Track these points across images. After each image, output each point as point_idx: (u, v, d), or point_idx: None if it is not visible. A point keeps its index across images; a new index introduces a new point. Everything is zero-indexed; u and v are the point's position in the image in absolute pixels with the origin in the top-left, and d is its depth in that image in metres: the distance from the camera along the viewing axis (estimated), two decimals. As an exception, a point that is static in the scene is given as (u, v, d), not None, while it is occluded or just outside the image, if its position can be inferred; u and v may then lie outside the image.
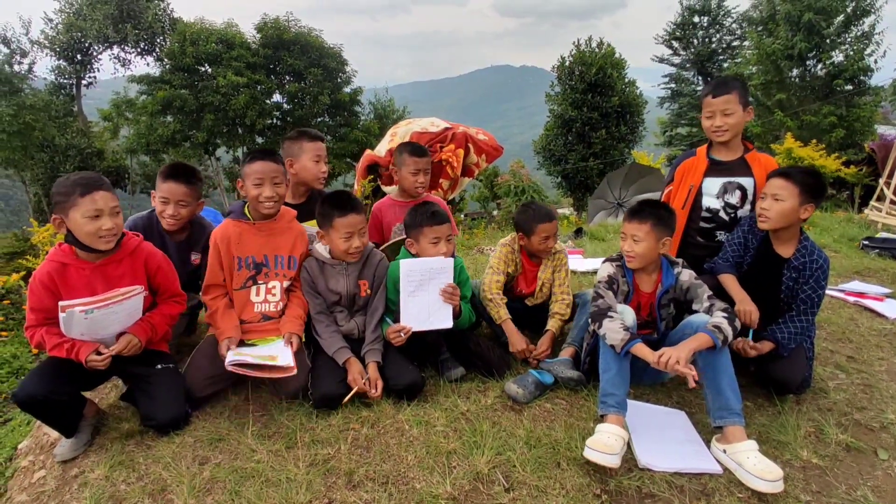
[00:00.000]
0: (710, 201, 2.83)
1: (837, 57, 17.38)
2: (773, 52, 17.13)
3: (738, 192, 2.78)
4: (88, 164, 22.09)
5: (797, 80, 17.92)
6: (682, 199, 2.90)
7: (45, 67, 22.49)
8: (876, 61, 17.44)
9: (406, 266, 2.53)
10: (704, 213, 2.85)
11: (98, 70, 23.82)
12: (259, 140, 24.27)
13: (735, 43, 26.71)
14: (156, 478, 1.96)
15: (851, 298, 3.93)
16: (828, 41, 16.93)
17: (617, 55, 25.12)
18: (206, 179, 28.38)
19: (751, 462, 1.98)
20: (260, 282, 2.57)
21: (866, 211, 6.87)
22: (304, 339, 2.60)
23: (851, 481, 2.06)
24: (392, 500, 1.86)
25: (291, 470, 2.00)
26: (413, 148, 3.23)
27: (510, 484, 1.96)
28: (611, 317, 2.30)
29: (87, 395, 2.37)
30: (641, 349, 2.22)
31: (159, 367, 2.26)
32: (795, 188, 2.40)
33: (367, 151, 7.25)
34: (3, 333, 4.35)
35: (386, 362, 2.56)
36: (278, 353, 2.37)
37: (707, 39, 27.86)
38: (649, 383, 2.65)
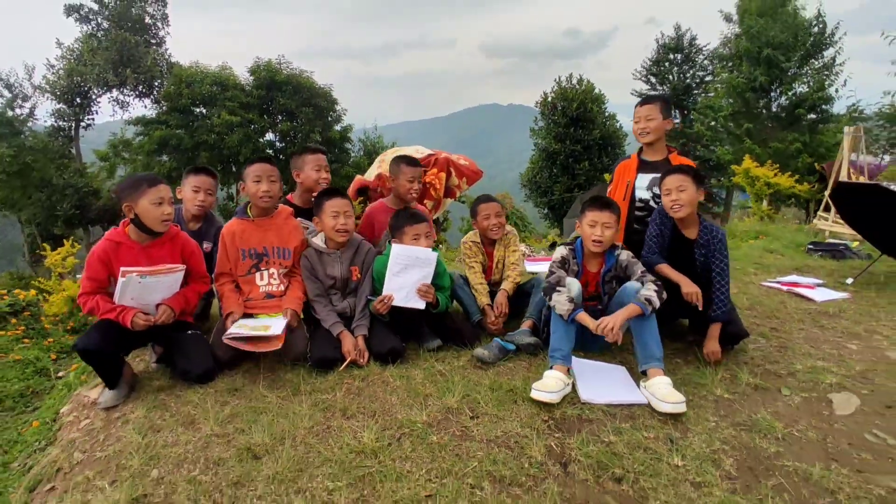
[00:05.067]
0: (642, 193, 3.40)
1: (800, 88, 18.49)
2: (738, 85, 18.27)
3: (661, 184, 3.34)
4: (85, 203, 22.54)
5: (763, 110, 19.00)
6: (621, 193, 3.46)
7: (45, 111, 23.18)
8: (837, 90, 18.52)
9: (396, 249, 3.04)
10: (638, 204, 3.41)
11: (97, 113, 24.62)
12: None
13: (707, 78, 28.09)
14: (186, 414, 2.40)
15: (786, 288, 4.44)
16: (789, 74, 18.06)
17: (596, 91, 26.36)
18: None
19: (661, 391, 2.46)
20: (262, 268, 3.07)
21: (814, 221, 7.50)
22: (302, 317, 3.07)
23: (754, 409, 2.52)
24: (378, 425, 2.31)
25: (296, 408, 2.44)
26: (408, 159, 3.78)
27: (475, 414, 2.42)
28: (559, 290, 2.81)
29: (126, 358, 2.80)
30: (584, 317, 2.73)
31: (189, 332, 2.75)
32: (689, 178, 2.94)
33: (358, 176, 7.82)
34: (26, 341, 4.76)
35: (372, 333, 3.03)
36: (272, 324, 2.83)
37: (682, 75, 29.27)
38: (597, 351, 3.13)
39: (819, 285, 4.51)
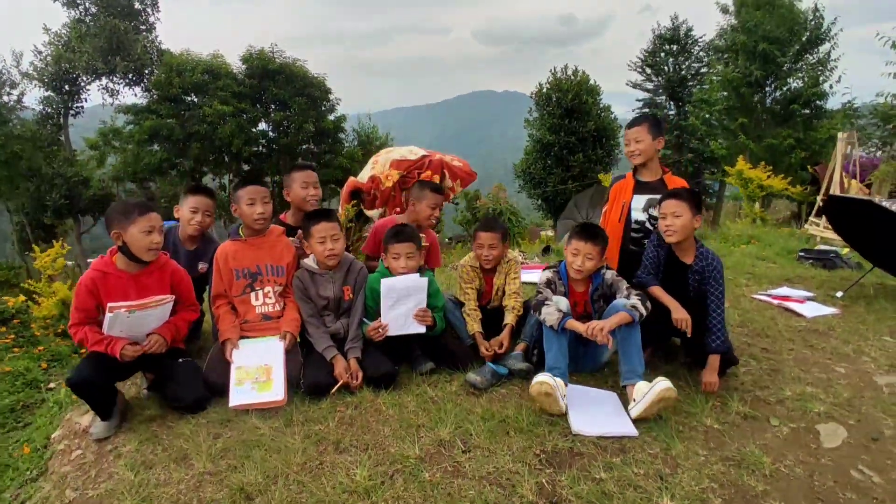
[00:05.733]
0: (638, 214, 3.41)
1: (795, 83, 18.49)
2: (733, 79, 18.23)
3: (659, 207, 3.34)
4: (74, 193, 22.27)
5: (758, 105, 18.99)
6: (616, 214, 3.47)
7: (33, 98, 22.69)
8: (831, 86, 18.54)
9: (385, 284, 3.02)
10: (634, 225, 3.42)
11: (86, 100, 24.21)
12: (245, 167, 24.73)
13: (703, 70, 27.99)
14: (178, 448, 2.40)
15: (776, 301, 4.48)
16: (784, 68, 18.05)
17: (592, 82, 26.20)
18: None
19: (643, 386, 2.61)
20: (257, 288, 3.08)
21: (806, 226, 7.55)
22: (298, 340, 3.08)
23: (743, 441, 2.55)
24: (371, 460, 2.32)
25: (289, 441, 2.45)
26: (434, 186, 3.76)
27: (467, 447, 2.43)
28: (548, 304, 2.84)
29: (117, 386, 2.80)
30: (573, 324, 2.79)
31: (181, 360, 2.74)
32: (686, 204, 2.95)
33: (351, 178, 7.76)
34: (16, 350, 4.73)
35: (365, 356, 3.04)
36: (273, 363, 2.84)
37: (677, 66, 29.16)
38: (589, 370, 3.15)
39: (809, 299, 4.55)
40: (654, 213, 3.33)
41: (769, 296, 4.63)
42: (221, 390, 2.81)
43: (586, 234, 3.00)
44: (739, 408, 2.79)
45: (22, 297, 5.41)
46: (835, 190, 7.57)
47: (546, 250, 7.23)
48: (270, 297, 3.08)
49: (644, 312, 2.73)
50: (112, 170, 23.66)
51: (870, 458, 2.42)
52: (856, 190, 7.72)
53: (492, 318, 3.43)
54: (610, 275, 3.02)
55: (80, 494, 2.19)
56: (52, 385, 4.35)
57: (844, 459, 2.42)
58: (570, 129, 25.64)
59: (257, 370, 2.78)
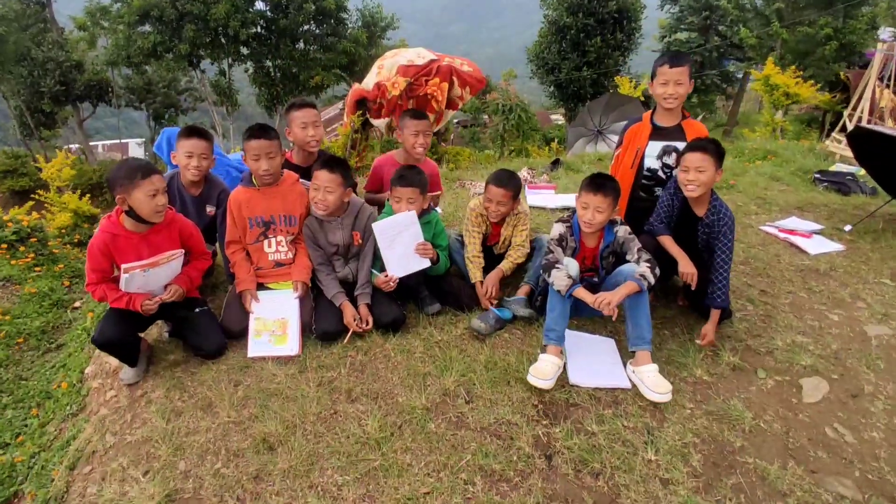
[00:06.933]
0: (651, 162, 3.30)
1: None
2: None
3: (674, 155, 3.23)
4: (69, 78, 21.48)
5: (798, -13, 17.34)
6: (629, 161, 3.36)
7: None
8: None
9: (377, 227, 3.04)
10: (646, 173, 3.32)
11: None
12: (244, 51, 23.43)
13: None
14: (202, 397, 2.60)
15: (782, 235, 4.48)
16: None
17: (617, -45, 23.75)
18: (192, 92, 27.74)
19: (649, 380, 2.64)
20: (270, 236, 3.13)
21: (826, 142, 7.26)
22: (309, 285, 3.18)
23: (728, 394, 2.72)
24: (381, 410, 2.52)
25: (304, 389, 2.64)
26: (413, 112, 3.62)
27: (470, 397, 2.61)
28: (558, 268, 2.86)
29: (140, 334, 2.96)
30: (581, 293, 2.81)
31: (198, 310, 2.87)
32: (712, 159, 2.86)
33: (355, 86, 7.43)
34: (37, 269, 4.90)
35: (374, 301, 3.14)
36: (288, 317, 2.97)
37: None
38: (588, 316, 3.27)
39: (816, 233, 4.54)
40: (669, 161, 3.23)
41: (776, 228, 4.62)
42: (238, 335, 2.97)
43: (595, 185, 2.92)
44: (730, 358, 2.93)
45: (36, 215, 5.50)
46: (865, 106, 7.16)
47: (555, 164, 7.07)
48: (283, 246, 3.14)
49: (652, 281, 2.74)
50: (105, 53, 22.52)
51: (845, 416, 2.59)
52: (887, 100, 7.29)
53: (497, 262, 3.47)
54: (623, 231, 3.00)
55: (119, 439, 2.43)
56: (77, 304, 4.59)
57: (821, 416, 2.60)
58: (589, 9, 23.75)
59: (274, 323, 2.91)
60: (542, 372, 2.65)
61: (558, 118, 32.99)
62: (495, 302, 3.28)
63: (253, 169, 3.00)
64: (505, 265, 3.38)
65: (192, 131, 3.16)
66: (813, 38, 15.96)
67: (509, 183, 3.26)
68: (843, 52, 16.07)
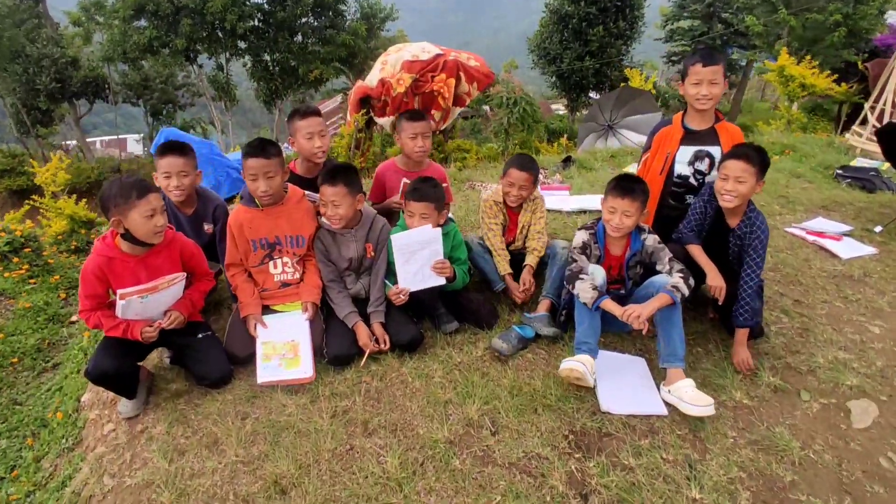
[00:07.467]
0: (682, 168, 3.08)
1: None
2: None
3: (706, 160, 3.02)
4: (65, 75, 21.12)
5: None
6: (659, 166, 3.14)
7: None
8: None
9: (396, 241, 2.84)
10: (676, 179, 3.11)
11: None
12: (242, 45, 23.04)
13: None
14: (208, 432, 2.41)
15: (811, 237, 4.27)
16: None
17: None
18: (190, 87, 27.35)
19: (688, 395, 2.46)
20: (276, 257, 2.92)
21: (846, 135, 7.03)
22: (319, 306, 2.98)
23: (772, 420, 2.54)
24: (400, 445, 2.33)
25: (317, 421, 2.45)
26: (410, 114, 3.43)
27: (496, 428, 2.43)
28: (582, 278, 2.68)
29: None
30: (609, 304, 2.63)
31: (200, 335, 2.67)
32: (754, 169, 2.66)
33: (359, 83, 7.20)
34: (32, 281, 4.71)
35: (389, 320, 2.95)
36: (299, 339, 2.77)
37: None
38: (616, 332, 3.08)
39: (846, 234, 4.34)
40: (701, 167, 3.02)
41: (804, 230, 4.41)
42: (244, 361, 2.78)
43: (623, 189, 2.74)
44: (770, 378, 2.74)
45: (30, 223, 5.29)
46: (889, 98, 6.91)
47: (567, 161, 6.84)
48: (290, 267, 2.93)
49: (686, 293, 2.56)
50: (100, 49, 22.16)
51: (900, 444, 2.41)
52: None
53: (515, 262, 3.31)
54: (652, 240, 2.81)
55: (118, 482, 2.24)
56: (73, 318, 4.40)
57: (873, 444, 2.41)
58: (591, -4, 23.38)
59: (284, 346, 2.71)
60: (577, 371, 2.52)
61: (559, 108, 32.71)
62: (530, 293, 3.19)
63: (251, 189, 2.76)
64: (531, 260, 3.26)
65: (167, 149, 2.88)
66: (822, 25, 15.62)
67: (531, 166, 3.22)
68: (852, 38, 15.75)
